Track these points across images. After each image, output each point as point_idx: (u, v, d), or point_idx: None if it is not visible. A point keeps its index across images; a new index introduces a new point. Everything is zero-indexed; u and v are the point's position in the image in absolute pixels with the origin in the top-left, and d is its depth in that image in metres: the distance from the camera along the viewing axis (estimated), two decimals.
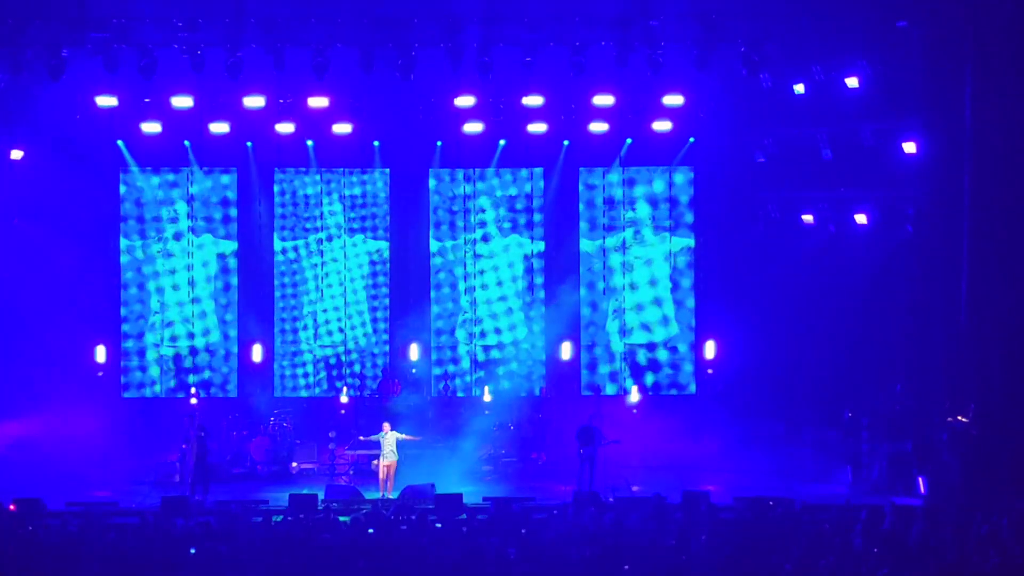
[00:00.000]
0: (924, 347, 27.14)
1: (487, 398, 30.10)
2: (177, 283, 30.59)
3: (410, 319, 30.86)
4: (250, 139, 29.92)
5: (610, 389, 30.66)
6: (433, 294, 31.14)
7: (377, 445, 25.63)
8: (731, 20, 25.24)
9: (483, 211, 31.07)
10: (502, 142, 30.29)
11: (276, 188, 30.84)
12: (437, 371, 30.94)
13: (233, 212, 30.69)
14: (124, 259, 30.44)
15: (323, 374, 30.93)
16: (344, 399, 29.64)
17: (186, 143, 29.76)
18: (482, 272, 31.14)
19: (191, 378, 30.43)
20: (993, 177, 24.87)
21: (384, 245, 31.02)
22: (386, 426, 25.69)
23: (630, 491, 25.11)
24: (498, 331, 31.14)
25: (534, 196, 31.09)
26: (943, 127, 25.81)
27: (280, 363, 30.83)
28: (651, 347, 31.02)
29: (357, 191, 30.99)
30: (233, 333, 30.74)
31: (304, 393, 30.82)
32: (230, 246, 30.69)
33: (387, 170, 30.95)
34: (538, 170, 30.97)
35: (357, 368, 30.57)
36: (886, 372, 27.88)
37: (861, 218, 28.18)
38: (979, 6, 24.60)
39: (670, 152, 30.49)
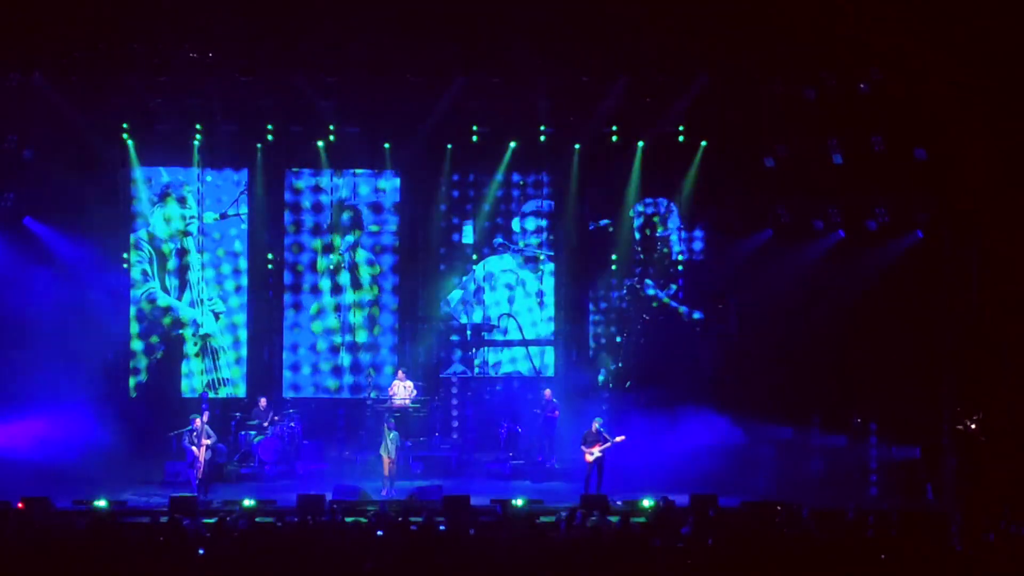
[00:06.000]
0: (934, 353, 27.10)
1: (495, 401, 30.12)
2: (188, 282, 30.60)
3: (419, 321, 30.87)
4: (260, 140, 29.89)
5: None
6: (442, 296, 31.15)
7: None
8: (744, 23, 25.22)
9: (492, 214, 31.12)
10: (512, 144, 30.25)
11: (286, 191, 30.86)
12: (444, 373, 30.97)
13: (243, 212, 30.70)
14: (134, 257, 30.47)
15: (326, 374, 31.01)
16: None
17: (195, 142, 29.71)
18: (491, 275, 31.15)
19: (202, 378, 30.48)
20: (1004, 184, 24.87)
21: (394, 246, 31.05)
22: (385, 428, 25.76)
23: (636, 494, 25.08)
24: (505, 333, 31.19)
25: (544, 200, 31.12)
26: (954, 134, 25.80)
27: (288, 363, 30.85)
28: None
29: (366, 192, 31.02)
30: (242, 333, 30.81)
31: (312, 391, 30.88)
32: (239, 246, 30.70)
33: (397, 172, 30.94)
34: (546, 176, 31.01)
35: (372, 372, 30.47)
36: (895, 378, 27.84)
37: (871, 224, 28.15)
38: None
39: (683, 156, 30.37)
